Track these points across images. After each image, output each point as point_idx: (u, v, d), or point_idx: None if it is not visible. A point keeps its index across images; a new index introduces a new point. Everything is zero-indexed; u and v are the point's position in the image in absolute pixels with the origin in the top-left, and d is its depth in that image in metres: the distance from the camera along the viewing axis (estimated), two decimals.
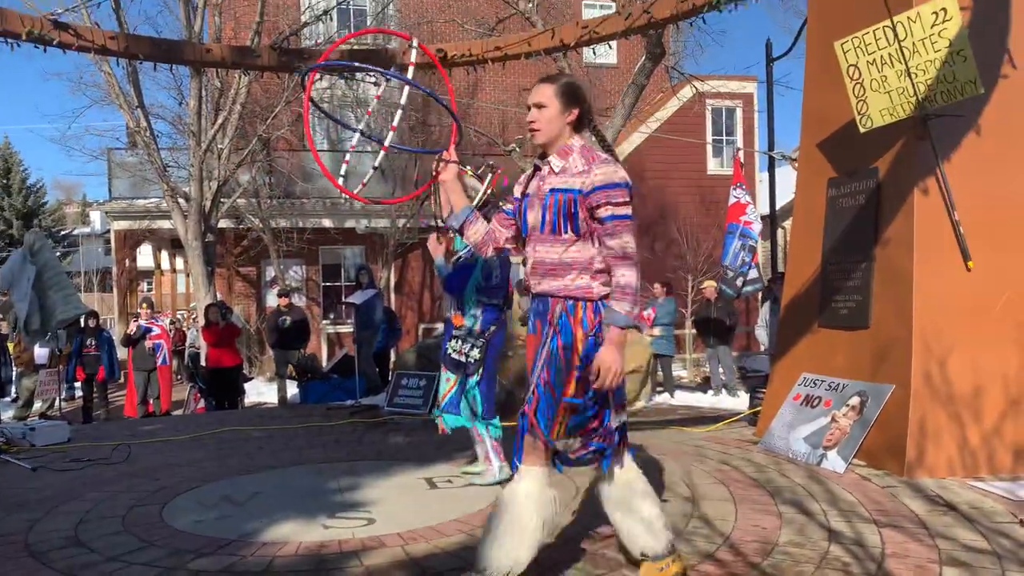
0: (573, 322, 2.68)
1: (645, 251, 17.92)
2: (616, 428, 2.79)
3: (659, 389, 10.37)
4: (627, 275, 2.63)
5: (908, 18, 4.42)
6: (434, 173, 2.99)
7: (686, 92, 16.75)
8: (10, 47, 6.03)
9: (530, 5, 11.98)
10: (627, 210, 2.65)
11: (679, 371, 14.56)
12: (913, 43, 4.41)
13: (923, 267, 4.56)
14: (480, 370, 4.60)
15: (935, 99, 4.42)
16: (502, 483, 4.27)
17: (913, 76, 4.42)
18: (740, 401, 9.95)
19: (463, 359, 4.60)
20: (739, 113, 19.21)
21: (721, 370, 11.34)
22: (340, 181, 3.23)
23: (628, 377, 8.22)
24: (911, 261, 4.58)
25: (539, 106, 2.74)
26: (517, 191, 2.89)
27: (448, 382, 4.70)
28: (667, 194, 18.26)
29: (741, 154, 10.26)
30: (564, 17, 15.47)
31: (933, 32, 4.33)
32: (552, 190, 2.72)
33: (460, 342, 4.64)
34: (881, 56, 4.58)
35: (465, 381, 4.63)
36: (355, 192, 3.30)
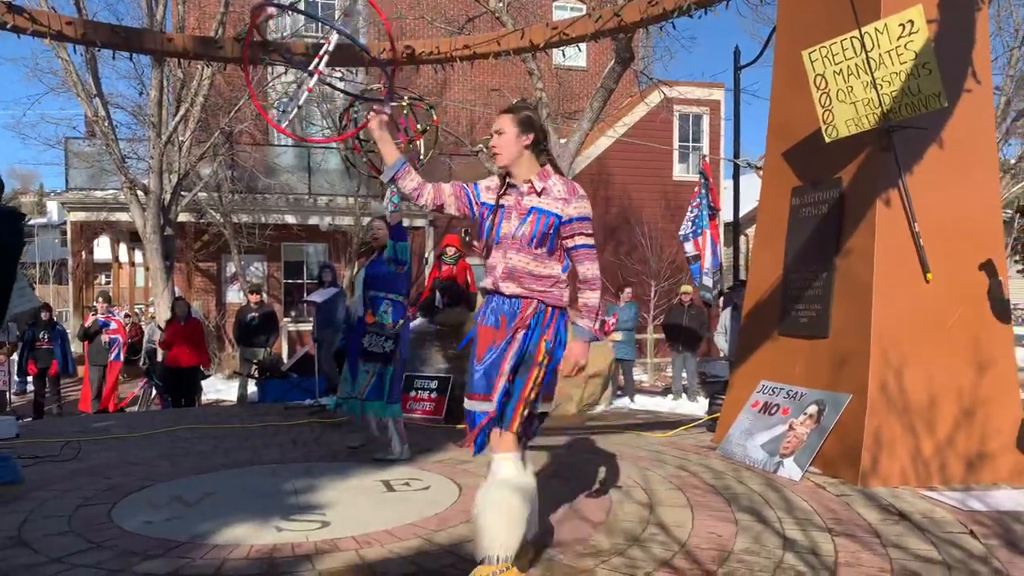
0: (543, 325, 3.02)
1: (609, 255, 18.07)
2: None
3: (619, 393, 10.41)
4: (593, 297, 3.06)
5: (876, 29, 4.46)
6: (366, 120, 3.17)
7: (654, 97, 16.87)
8: None
9: (500, 4, 11.95)
10: (593, 240, 3.06)
11: (639, 375, 14.65)
12: (880, 54, 4.46)
13: (883, 278, 4.62)
14: (394, 359, 5.42)
15: (899, 111, 4.48)
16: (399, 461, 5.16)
17: (879, 87, 4.47)
18: (699, 406, 10.03)
19: (380, 350, 5.39)
20: (706, 120, 19.40)
21: (684, 375, 11.43)
22: (272, 114, 3.32)
23: (589, 381, 8.27)
24: (871, 272, 4.64)
25: (499, 132, 3.06)
26: (487, 197, 3.11)
27: (367, 373, 5.42)
28: (632, 199, 18.39)
29: (707, 161, 10.37)
30: (534, 18, 15.49)
31: (900, 44, 4.38)
32: (534, 208, 3.02)
33: (373, 337, 5.45)
34: (848, 66, 4.63)
35: (384, 371, 5.39)
36: (283, 126, 3.42)
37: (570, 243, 3.03)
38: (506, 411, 2.96)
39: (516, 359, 2.98)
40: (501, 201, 3.09)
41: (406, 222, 5.99)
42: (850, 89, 4.64)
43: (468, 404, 3.04)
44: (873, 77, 4.48)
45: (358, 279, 5.75)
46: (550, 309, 3.03)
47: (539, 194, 3.03)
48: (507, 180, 3.10)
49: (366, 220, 16.69)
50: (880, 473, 4.41)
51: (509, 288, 3.02)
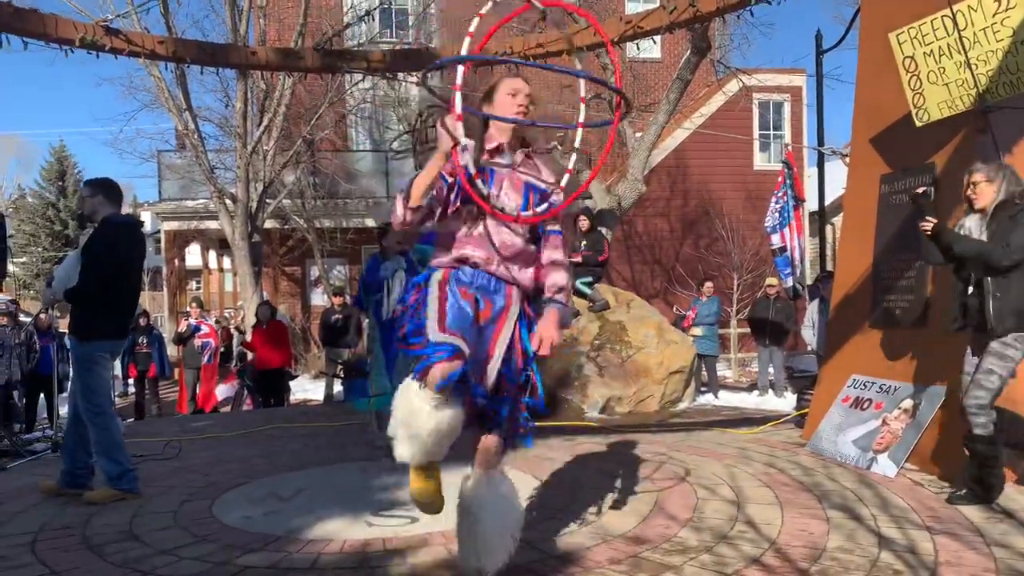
0: (527, 318, 2.84)
1: (689, 248, 17.79)
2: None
3: (703, 389, 10.24)
4: (567, 279, 2.87)
5: (969, 6, 4.27)
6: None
7: (732, 86, 16.50)
8: (64, 53, 6.19)
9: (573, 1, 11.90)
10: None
11: (724, 371, 14.37)
12: (974, 32, 4.27)
13: None
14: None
15: (996, 91, 4.27)
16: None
17: (973, 67, 4.28)
18: (786, 402, 9.78)
19: None
20: (787, 107, 18.85)
21: (771, 370, 11.16)
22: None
23: (671, 377, 8.17)
24: None
25: (532, 100, 2.84)
26: (467, 161, 2.62)
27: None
28: (712, 191, 18.02)
29: (790, 150, 10.11)
30: (607, 12, 15.36)
31: (995, 20, 4.18)
32: (530, 184, 2.81)
33: None
34: (939, 47, 4.44)
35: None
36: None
37: (548, 225, 2.84)
38: (501, 413, 2.82)
39: (512, 364, 2.78)
40: (485, 165, 2.76)
41: None
42: (942, 70, 4.45)
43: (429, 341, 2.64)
44: (967, 57, 4.29)
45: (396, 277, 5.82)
46: (526, 300, 2.86)
47: (531, 172, 2.83)
48: (485, 145, 2.78)
49: None
50: None
51: (498, 267, 2.76)
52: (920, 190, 4.33)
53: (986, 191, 3.91)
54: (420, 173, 2.64)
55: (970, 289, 3.93)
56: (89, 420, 4.34)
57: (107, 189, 4.56)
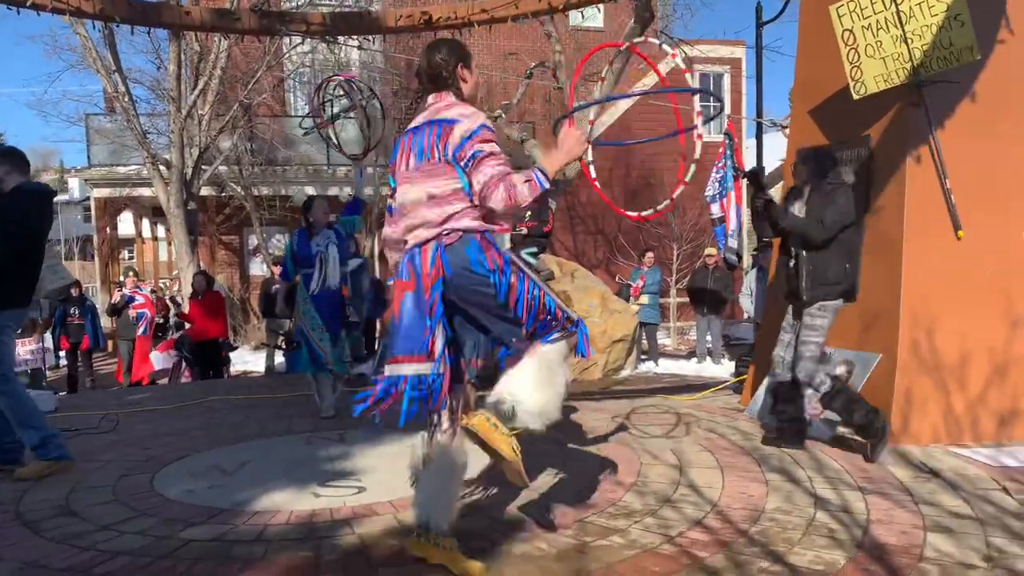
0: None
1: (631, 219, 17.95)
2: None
3: (644, 357, 10.43)
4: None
5: None
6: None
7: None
8: None
9: None
10: None
11: (663, 339, 14.65)
12: (910, 7, 4.37)
13: (913, 236, 4.57)
14: None
15: (931, 65, 4.39)
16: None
17: (909, 42, 4.39)
18: (725, 369, 10.03)
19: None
20: (727, 79, 19.09)
21: (709, 338, 11.42)
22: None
23: (613, 346, 8.29)
24: (901, 230, 4.59)
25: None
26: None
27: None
28: (653, 161, 18.20)
29: (731, 121, 10.24)
30: None
31: None
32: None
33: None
34: (877, 20, 4.54)
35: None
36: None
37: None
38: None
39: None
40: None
41: None
42: (879, 44, 4.55)
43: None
44: (904, 31, 4.39)
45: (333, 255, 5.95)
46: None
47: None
48: None
49: (384, 190, 16.72)
50: (911, 431, 4.41)
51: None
52: (754, 167, 4.67)
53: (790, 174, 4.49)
54: (554, 157, 2.69)
55: (791, 261, 4.39)
56: None
57: (14, 157, 4.44)
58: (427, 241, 2.70)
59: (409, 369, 2.70)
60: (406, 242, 2.79)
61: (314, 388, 6.08)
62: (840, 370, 4.51)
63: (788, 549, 2.94)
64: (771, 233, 4.66)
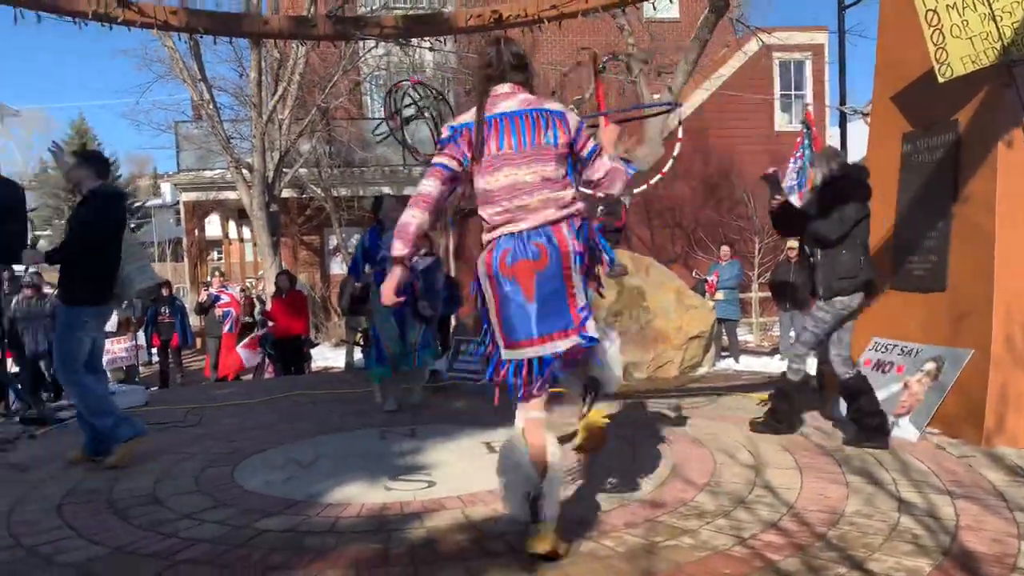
0: None
1: (710, 211, 17.60)
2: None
3: (723, 354, 10.19)
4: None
5: None
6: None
7: (752, 46, 16.20)
8: (78, 26, 6.18)
9: None
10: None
11: (745, 335, 14.29)
12: None
13: (1006, 225, 4.32)
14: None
15: (1021, 44, 4.14)
16: None
17: (998, 19, 4.15)
18: (808, 365, 9.69)
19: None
20: (809, 66, 18.47)
21: (792, 334, 11.08)
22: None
23: (690, 342, 8.13)
24: (993, 219, 4.35)
25: None
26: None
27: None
28: (732, 153, 17.77)
29: (809, 110, 9.91)
30: None
31: None
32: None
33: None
34: None
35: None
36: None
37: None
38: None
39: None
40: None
41: None
42: (965, 23, 4.31)
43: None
44: (991, 9, 4.15)
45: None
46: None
47: None
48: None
49: (459, 188, 16.83)
50: (1006, 432, 4.17)
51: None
52: (770, 171, 4.72)
53: (813, 177, 4.64)
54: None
55: (812, 260, 4.54)
56: (65, 384, 4.48)
57: (94, 161, 4.69)
58: (558, 221, 2.83)
59: (563, 345, 2.82)
60: (512, 219, 2.83)
61: (375, 384, 6.32)
62: (805, 377, 4.82)
63: (868, 555, 2.82)
64: (795, 233, 4.89)
